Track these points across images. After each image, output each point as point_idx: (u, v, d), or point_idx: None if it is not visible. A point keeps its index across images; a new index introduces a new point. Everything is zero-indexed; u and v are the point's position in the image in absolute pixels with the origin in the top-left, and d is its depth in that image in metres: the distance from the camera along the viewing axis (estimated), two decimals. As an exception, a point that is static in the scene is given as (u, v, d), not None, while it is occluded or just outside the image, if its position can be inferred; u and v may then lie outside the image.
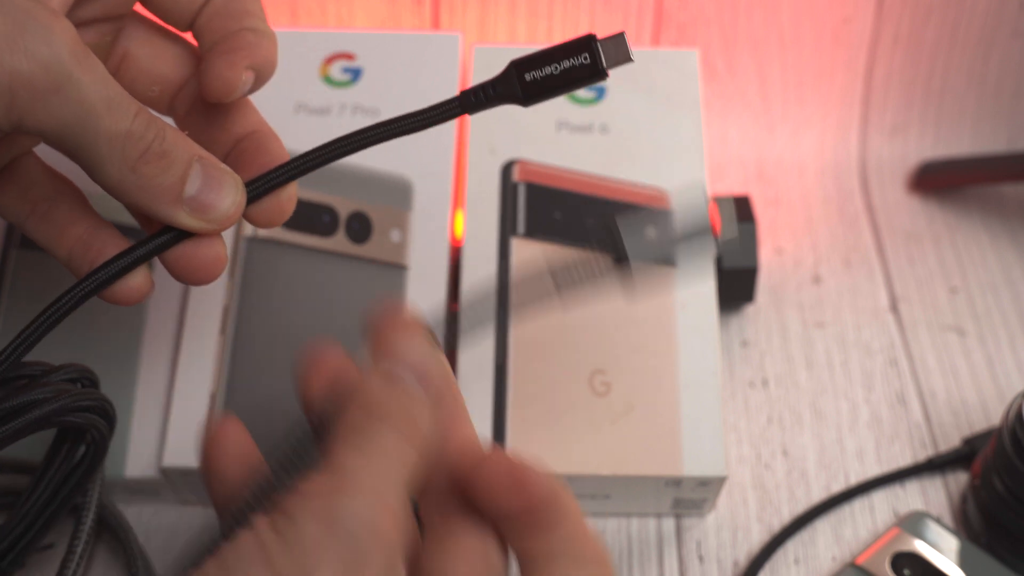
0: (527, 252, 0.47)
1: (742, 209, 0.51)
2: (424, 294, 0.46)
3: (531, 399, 0.44)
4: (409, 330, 0.31)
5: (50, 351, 0.45)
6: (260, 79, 0.36)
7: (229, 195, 0.33)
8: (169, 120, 0.36)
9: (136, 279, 0.34)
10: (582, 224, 0.48)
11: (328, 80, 0.51)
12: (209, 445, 0.32)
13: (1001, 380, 0.52)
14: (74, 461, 0.38)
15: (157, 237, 0.34)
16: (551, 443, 0.43)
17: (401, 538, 0.27)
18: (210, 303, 0.46)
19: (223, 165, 0.34)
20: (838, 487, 0.48)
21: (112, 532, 0.45)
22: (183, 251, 0.34)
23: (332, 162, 0.35)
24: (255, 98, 0.50)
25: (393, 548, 0.26)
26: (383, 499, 0.27)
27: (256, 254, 0.46)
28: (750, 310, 0.55)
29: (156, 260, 0.34)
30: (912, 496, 0.48)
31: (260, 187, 0.35)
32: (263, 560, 0.25)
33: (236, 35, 0.36)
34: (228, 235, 0.47)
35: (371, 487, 0.27)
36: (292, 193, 0.36)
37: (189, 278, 0.34)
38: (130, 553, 0.43)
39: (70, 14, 0.34)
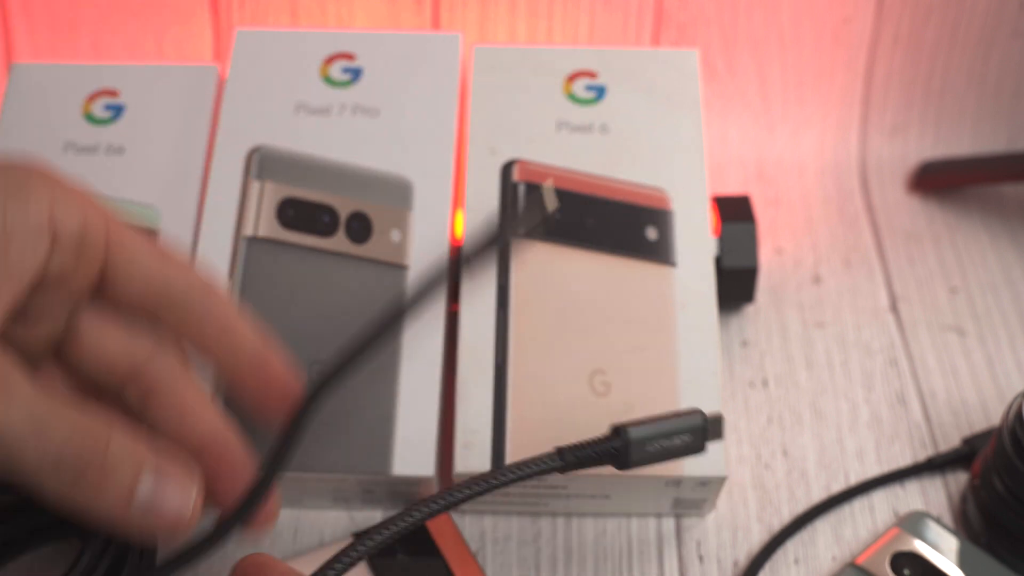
0: (527, 252, 0.47)
1: (742, 209, 0.51)
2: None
3: (531, 399, 0.44)
4: None
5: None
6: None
7: (182, 502, 0.32)
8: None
9: None
10: (582, 224, 0.48)
11: (328, 80, 0.51)
12: None
13: (1001, 380, 0.52)
14: None
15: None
16: (551, 443, 0.43)
17: None
18: (210, 303, 0.46)
19: (180, 465, 0.32)
20: (838, 487, 0.48)
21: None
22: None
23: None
24: (255, 98, 0.50)
25: None
26: None
27: (256, 254, 0.46)
28: (750, 310, 0.55)
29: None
30: (912, 496, 0.48)
31: (240, 511, 0.34)
32: None
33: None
34: (227, 235, 0.47)
35: None
36: (276, 499, 0.35)
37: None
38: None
39: (28, 299, 0.32)
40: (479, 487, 0.35)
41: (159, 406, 0.35)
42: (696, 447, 0.38)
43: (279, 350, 0.36)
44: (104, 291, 0.34)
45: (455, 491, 0.35)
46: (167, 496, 0.31)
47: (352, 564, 0.33)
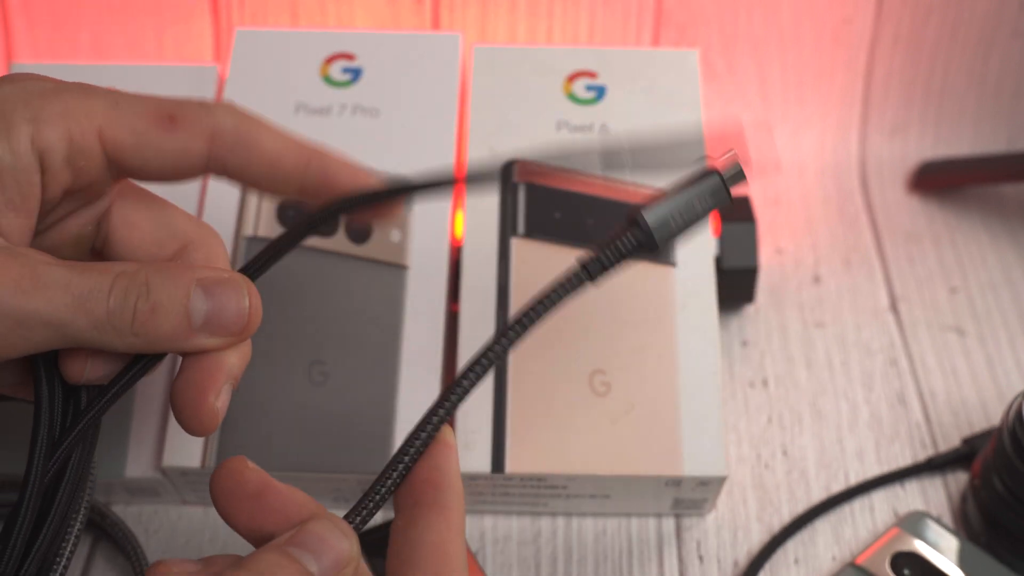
0: (527, 252, 0.47)
1: (742, 209, 0.51)
2: (424, 294, 0.46)
3: (531, 399, 0.44)
4: (337, 525, 0.31)
5: (50, 351, 0.45)
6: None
7: (239, 302, 0.33)
8: None
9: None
10: (582, 224, 0.48)
11: (328, 80, 0.51)
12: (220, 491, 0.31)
13: (1001, 380, 0.52)
14: None
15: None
16: (551, 443, 0.43)
17: None
18: (210, 303, 0.46)
19: (224, 274, 0.33)
20: (838, 487, 0.48)
21: (117, 542, 0.45)
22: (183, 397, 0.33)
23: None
24: (255, 98, 0.50)
25: None
26: None
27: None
28: (750, 310, 0.55)
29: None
30: (912, 496, 0.48)
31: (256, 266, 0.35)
32: None
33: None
34: (227, 235, 0.47)
35: None
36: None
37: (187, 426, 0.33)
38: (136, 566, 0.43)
39: (46, 216, 0.33)
40: (524, 324, 0.33)
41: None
42: (722, 200, 0.34)
43: (326, 154, 0.36)
44: (123, 173, 0.35)
45: (511, 330, 0.33)
46: (222, 302, 0.32)
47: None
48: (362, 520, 0.32)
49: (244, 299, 0.33)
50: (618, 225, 0.34)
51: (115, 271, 0.31)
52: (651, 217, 0.34)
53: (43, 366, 0.33)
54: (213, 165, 0.35)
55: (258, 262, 0.35)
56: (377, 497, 0.32)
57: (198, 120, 0.34)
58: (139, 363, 0.33)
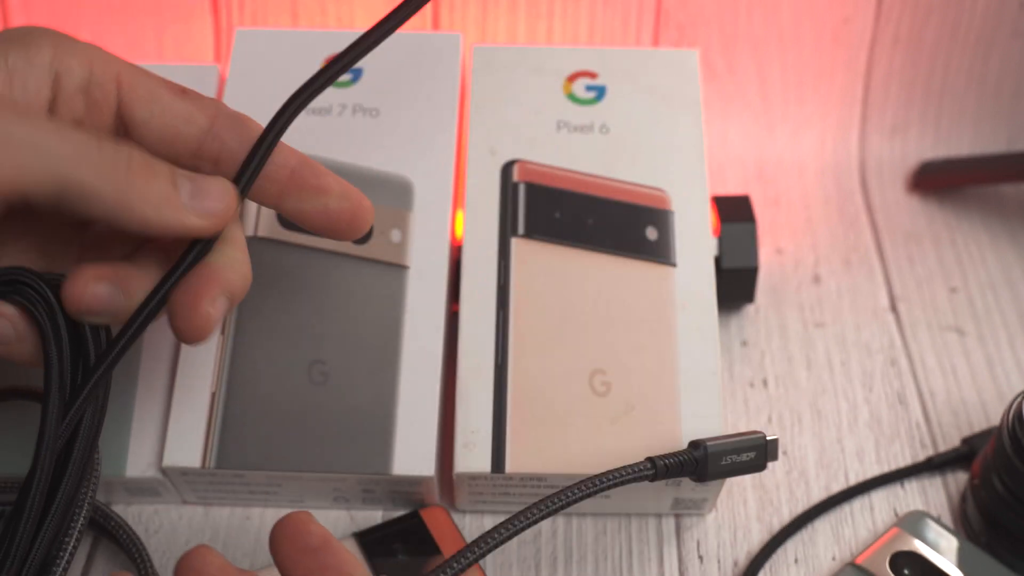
0: (527, 252, 0.47)
1: (742, 209, 0.51)
2: (424, 294, 0.46)
3: (531, 399, 0.44)
4: None
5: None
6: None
7: (221, 187, 0.35)
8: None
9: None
10: (582, 224, 0.48)
11: (328, 80, 0.51)
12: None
13: (1001, 380, 0.52)
14: None
15: (185, 257, 0.36)
16: (551, 443, 0.43)
17: None
18: (210, 303, 0.46)
19: (208, 174, 0.36)
20: (838, 487, 0.48)
21: (119, 542, 0.45)
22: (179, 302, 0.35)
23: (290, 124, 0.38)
24: (255, 98, 0.50)
25: None
26: None
27: (256, 254, 0.46)
28: (750, 310, 0.55)
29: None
30: (912, 496, 0.48)
31: (245, 175, 0.36)
32: None
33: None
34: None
35: None
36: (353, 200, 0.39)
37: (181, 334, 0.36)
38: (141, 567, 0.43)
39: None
40: (576, 494, 0.38)
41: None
42: (759, 465, 0.41)
43: (314, 167, 0.39)
44: (130, 134, 0.37)
45: (554, 499, 0.37)
46: (203, 184, 0.35)
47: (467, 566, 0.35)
48: None
49: (225, 183, 0.35)
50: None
51: (101, 133, 0.34)
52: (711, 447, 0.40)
53: (47, 320, 0.34)
54: (210, 142, 0.37)
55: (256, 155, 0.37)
56: None
57: (206, 98, 0.37)
58: (140, 316, 0.35)
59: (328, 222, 0.38)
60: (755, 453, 0.41)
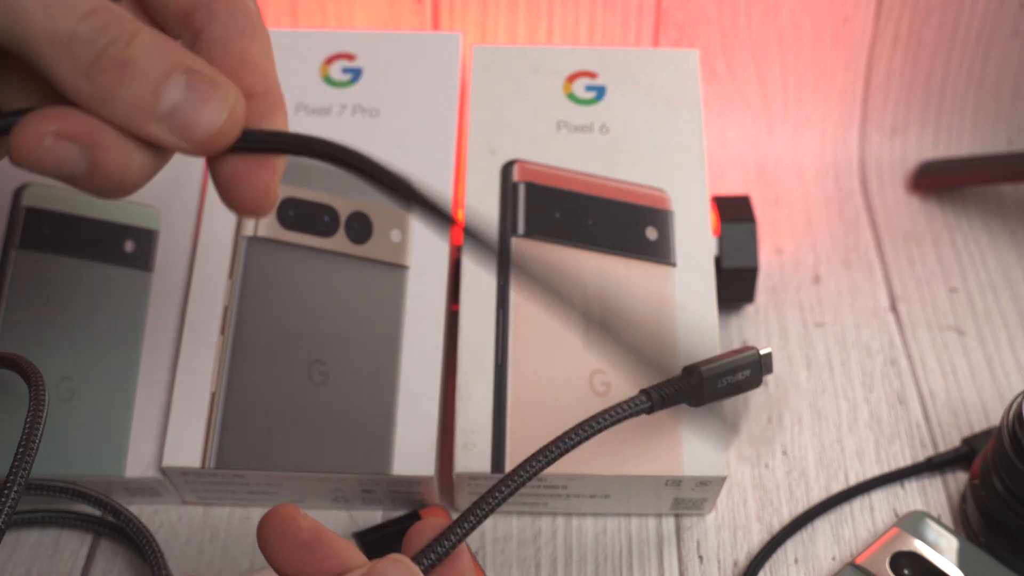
0: (527, 252, 0.47)
1: (742, 209, 0.51)
2: (424, 294, 0.46)
3: (531, 399, 0.44)
4: (408, 567, 0.31)
5: (50, 351, 0.45)
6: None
7: (217, 112, 0.29)
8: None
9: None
10: (582, 224, 0.48)
11: (328, 80, 0.51)
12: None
13: (1001, 380, 0.52)
14: None
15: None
16: (551, 443, 0.43)
17: None
18: (210, 303, 0.46)
19: (219, 77, 0.29)
20: (838, 487, 0.48)
21: (132, 539, 0.45)
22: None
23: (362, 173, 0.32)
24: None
25: None
26: None
27: (256, 254, 0.46)
28: (750, 310, 0.55)
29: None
30: (912, 496, 0.48)
31: (257, 141, 0.30)
32: None
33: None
34: (227, 235, 0.47)
35: None
36: (276, 172, 0.31)
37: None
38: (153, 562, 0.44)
39: None
40: (576, 438, 0.37)
41: (216, 52, 0.31)
42: (755, 381, 0.41)
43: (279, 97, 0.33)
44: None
45: (562, 441, 0.36)
46: (198, 103, 0.28)
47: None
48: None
49: (223, 112, 0.29)
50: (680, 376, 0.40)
51: (104, 6, 0.27)
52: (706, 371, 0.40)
53: None
54: (201, 15, 0.32)
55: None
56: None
57: None
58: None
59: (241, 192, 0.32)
60: (750, 370, 0.40)
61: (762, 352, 0.41)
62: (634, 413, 0.38)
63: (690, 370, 0.40)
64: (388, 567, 0.30)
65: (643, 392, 0.39)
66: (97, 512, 0.46)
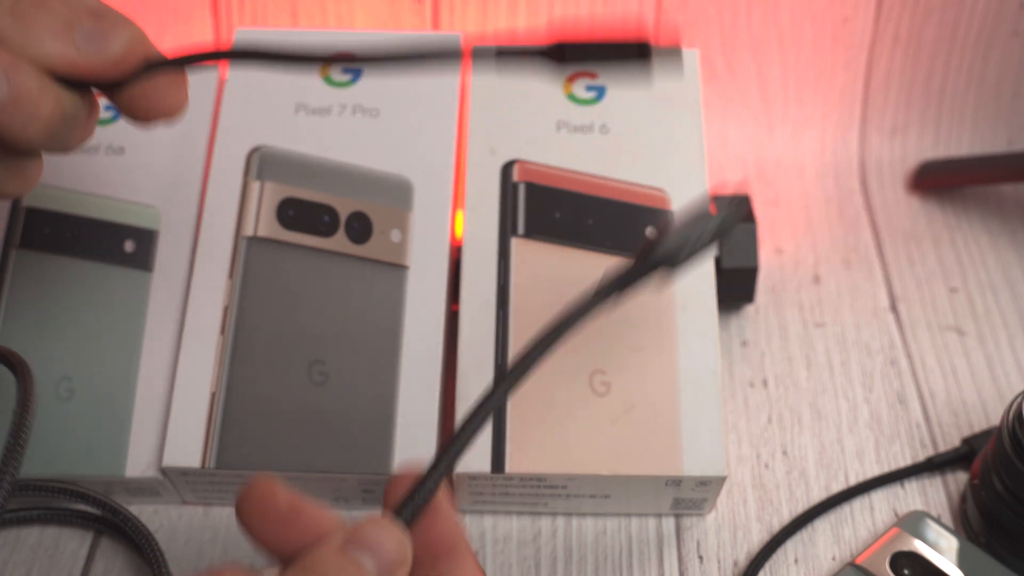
0: (527, 252, 0.47)
1: (742, 209, 0.51)
2: (424, 294, 0.46)
3: (531, 399, 0.44)
4: (391, 527, 0.30)
5: (49, 350, 0.45)
6: None
7: (124, 37, 0.34)
8: None
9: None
10: (582, 224, 0.48)
11: (328, 80, 0.51)
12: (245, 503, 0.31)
13: (1001, 380, 0.52)
14: None
15: None
16: (551, 443, 0.43)
17: None
18: (210, 303, 0.46)
19: (124, 17, 0.34)
20: (838, 487, 0.48)
21: (131, 538, 0.45)
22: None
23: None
24: (255, 98, 0.50)
25: None
26: None
27: (256, 254, 0.46)
28: (750, 310, 0.55)
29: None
30: (912, 496, 0.48)
31: (164, 62, 0.35)
32: None
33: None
34: (227, 235, 0.47)
35: None
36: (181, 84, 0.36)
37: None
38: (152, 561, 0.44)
39: None
40: (548, 340, 0.35)
41: None
42: (726, 230, 0.38)
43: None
44: None
45: (535, 348, 0.35)
46: (109, 31, 0.34)
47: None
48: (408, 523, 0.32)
49: (130, 38, 0.34)
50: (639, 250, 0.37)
51: None
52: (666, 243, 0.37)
53: None
54: None
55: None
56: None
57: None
58: None
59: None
60: (717, 230, 0.38)
61: (728, 209, 0.38)
62: (597, 306, 0.35)
63: (647, 249, 0.37)
64: (368, 528, 0.30)
65: (600, 288, 0.36)
66: (97, 511, 0.46)
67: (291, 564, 0.29)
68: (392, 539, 0.30)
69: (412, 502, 0.32)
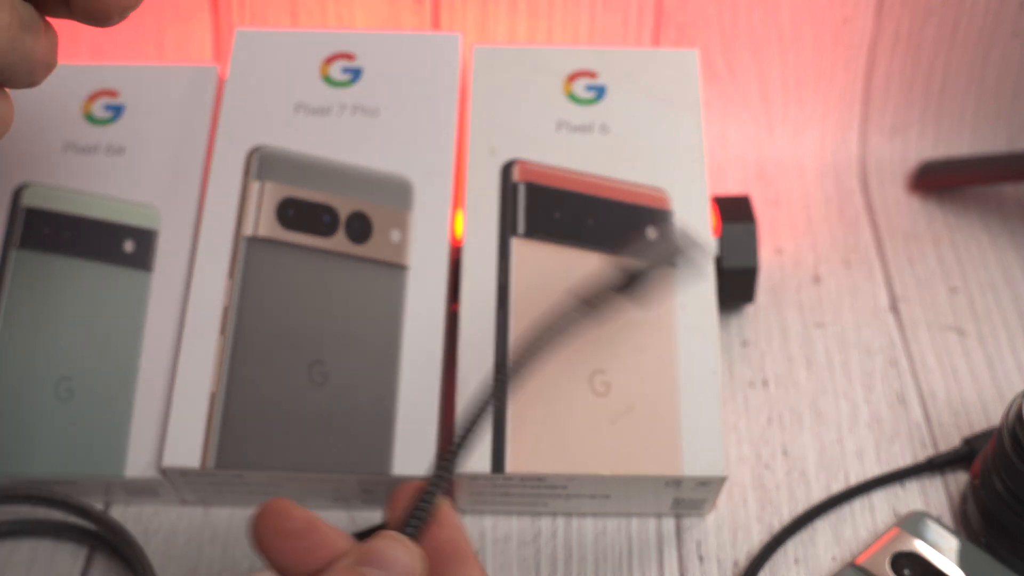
0: (527, 252, 0.47)
1: (742, 209, 0.51)
2: (424, 294, 0.46)
3: (531, 399, 0.44)
4: (404, 542, 0.31)
5: (49, 350, 0.45)
6: None
7: None
8: None
9: None
10: (582, 224, 0.48)
11: (328, 80, 0.51)
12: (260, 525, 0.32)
13: (1001, 380, 0.52)
14: None
15: None
16: (551, 443, 0.43)
17: None
18: (210, 303, 0.46)
19: None
20: (838, 487, 0.48)
21: (118, 549, 0.45)
22: None
23: None
24: (255, 98, 0.50)
25: None
26: None
27: (256, 254, 0.46)
28: (750, 310, 0.55)
29: None
30: (912, 496, 0.48)
31: None
32: None
33: None
34: (227, 235, 0.47)
35: None
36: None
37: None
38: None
39: None
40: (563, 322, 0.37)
41: None
42: (670, 254, 0.43)
43: None
44: None
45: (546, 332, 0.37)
46: None
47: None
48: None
49: None
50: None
51: None
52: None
53: None
54: None
55: None
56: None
57: None
58: None
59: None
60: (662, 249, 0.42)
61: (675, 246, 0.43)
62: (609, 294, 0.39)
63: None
64: (379, 545, 0.30)
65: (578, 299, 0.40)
66: (91, 526, 0.45)
67: None
68: (405, 555, 0.31)
69: (417, 514, 0.32)
